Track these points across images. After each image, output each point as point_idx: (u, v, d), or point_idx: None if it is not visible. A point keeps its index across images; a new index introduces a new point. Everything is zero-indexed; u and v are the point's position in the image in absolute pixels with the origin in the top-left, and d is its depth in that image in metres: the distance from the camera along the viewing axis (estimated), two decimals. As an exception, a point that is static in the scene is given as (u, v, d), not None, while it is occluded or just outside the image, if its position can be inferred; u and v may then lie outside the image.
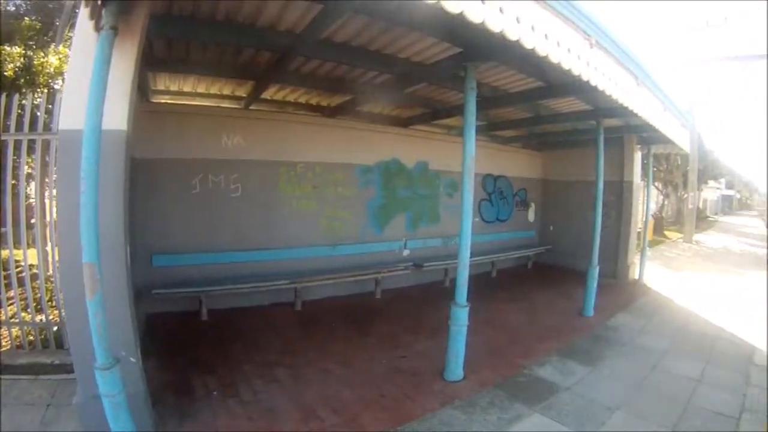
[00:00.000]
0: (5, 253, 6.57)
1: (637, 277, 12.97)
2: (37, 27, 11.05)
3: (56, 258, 5.80)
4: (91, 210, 3.30)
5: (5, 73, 8.05)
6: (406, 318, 8.37)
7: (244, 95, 9.25)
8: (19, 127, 5.70)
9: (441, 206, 11.68)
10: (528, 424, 4.82)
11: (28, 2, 12.73)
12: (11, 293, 6.36)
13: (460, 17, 3.32)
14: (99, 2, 3.38)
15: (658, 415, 5.13)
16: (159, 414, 4.56)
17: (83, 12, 3.80)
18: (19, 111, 5.74)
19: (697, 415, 5.17)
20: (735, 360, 6.97)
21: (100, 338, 3.44)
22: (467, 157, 5.66)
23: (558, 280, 12.43)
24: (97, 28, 3.60)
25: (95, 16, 3.64)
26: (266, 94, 9.14)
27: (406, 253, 10.90)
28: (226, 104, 9.64)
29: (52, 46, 10.12)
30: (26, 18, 11.04)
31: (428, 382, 5.71)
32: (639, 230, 14.56)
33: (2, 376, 5.48)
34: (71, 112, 3.92)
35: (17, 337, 6.15)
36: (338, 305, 9.04)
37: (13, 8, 12.41)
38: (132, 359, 4.13)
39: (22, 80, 8.09)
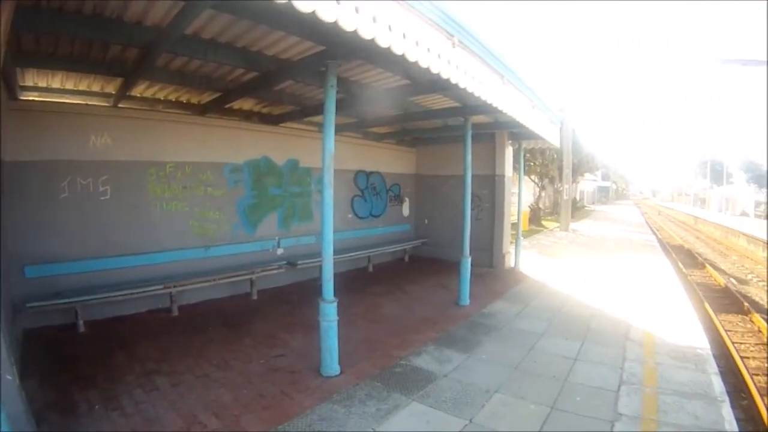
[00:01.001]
0: None
1: (513, 265, 13.85)
2: None
3: None
4: None
5: None
6: (283, 316, 8.68)
7: (113, 92, 9.14)
8: None
9: (313, 203, 12.06)
10: (406, 413, 5.15)
11: None
12: None
13: (312, 16, 3.57)
14: None
15: (537, 394, 5.59)
16: None
17: None
18: None
19: (576, 391, 5.68)
20: (611, 337, 7.67)
21: None
22: (326, 155, 5.88)
23: (434, 271, 13.06)
24: None
25: None
26: (136, 92, 9.17)
27: (280, 252, 11.23)
28: (94, 102, 9.48)
29: None
30: None
31: (306, 379, 5.99)
32: (514, 221, 15.50)
33: None
34: None
35: None
36: (215, 308, 9.23)
37: None
38: (8, 377, 4.05)
39: None
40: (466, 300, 9.49)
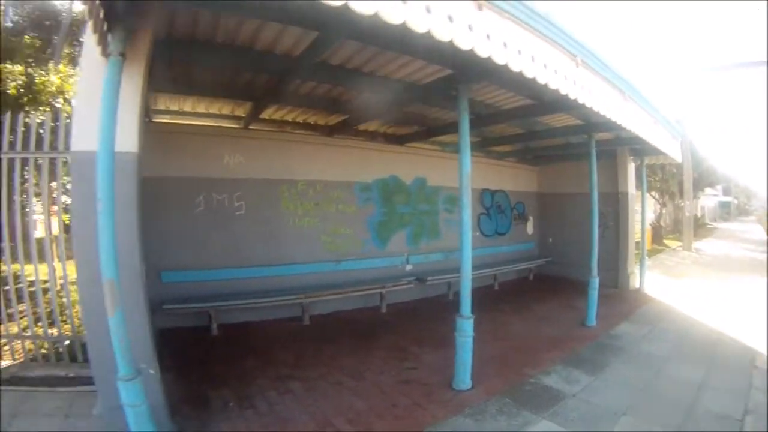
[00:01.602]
0: (15, 267, 7.04)
1: (638, 286, 13.32)
2: (37, 44, 11.55)
3: (61, 273, 6.40)
4: (108, 230, 3.61)
5: (8, 92, 8.49)
6: (413, 331, 8.71)
7: (243, 115, 9.68)
8: (24, 146, 6.12)
9: (441, 221, 12.19)
10: (536, 430, 5.08)
11: (26, 19, 13.28)
12: (22, 307, 6.73)
13: (449, 45, 3.66)
14: (105, 29, 3.70)
15: (663, 418, 5.37)
16: (178, 425, 4.90)
17: (90, 39, 4.08)
18: (23, 129, 6.16)
19: (701, 418, 5.42)
20: (737, 364, 7.26)
21: (123, 350, 3.74)
22: (464, 175, 6.03)
23: (559, 290, 12.81)
24: (105, 54, 3.93)
25: (102, 42, 3.96)
26: (265, 114, 9.56)
27: (408, 268, 11.37)
28: (225, 124, 10.10)
29: (51, 64, 10.68)
30: (26, 36, 11.59)
31: (438, 392, 5.98)
32: (637, 240, 14.93)
33: (19, 388, 5.87)
34: (82, 134, 4.28)
35: (30, 350, 6.62)
36: (345, 319, 9.46)
37: (12, 25, 12.93)
38: (151, 371, 4.43)
39: (25, 98, 8.54)
40: (592, 320, 9.27)
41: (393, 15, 3.22)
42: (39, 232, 8.64)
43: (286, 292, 9.01)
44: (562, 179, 15.19)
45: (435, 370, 6.71)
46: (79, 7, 13.84)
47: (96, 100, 3.81)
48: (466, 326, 6.07)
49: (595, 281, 9.30)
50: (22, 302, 6.59)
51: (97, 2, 3.32)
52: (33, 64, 10.21)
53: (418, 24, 3.39)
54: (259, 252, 9.23)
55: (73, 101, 4.78)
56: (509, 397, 5.90)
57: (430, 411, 5.49)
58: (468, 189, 6.06)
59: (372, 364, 7.04)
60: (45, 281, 6.79)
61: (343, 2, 2.97)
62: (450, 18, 3.58)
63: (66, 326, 6.81)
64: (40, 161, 6.21)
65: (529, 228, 15.82)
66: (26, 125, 6.14)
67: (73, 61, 12.20)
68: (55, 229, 7.16)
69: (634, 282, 13.54)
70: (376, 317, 9.82)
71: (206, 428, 5.02)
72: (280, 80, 7.09)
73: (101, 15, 3.49)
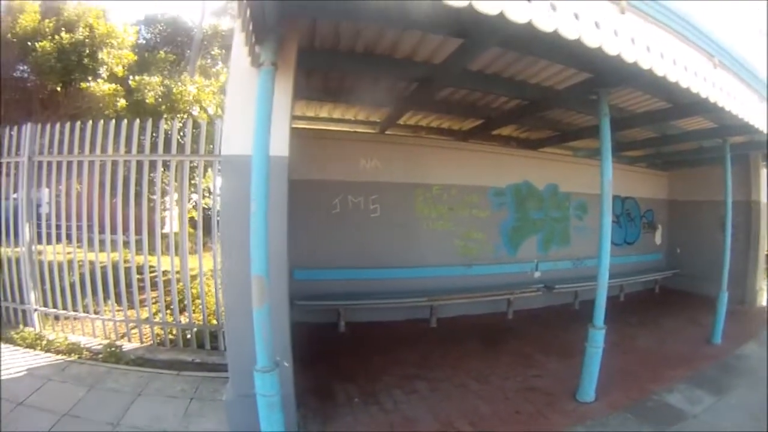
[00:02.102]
0: (152, 259, 7.65)
1: (765, 303, 12.69)
2: (171, 59, 12.39)
3: (191, 266, 7.09)
4: (261, 230, 3.75)
5: (147, 101, 9.29)
6: (538, 339, 8.72)
7: (378, 120, 9.95)
8: (166, 149, 6.90)
9: (571, 228, 12.06)
10: None
11: (158, 36, 14.30)
12: (151, 295, 7.48)
13: (597, 50, 3.68)
14: (253, 41, 3.97)
15: None
16: (302, 416, 5.20)
17: (239, 50, 4.48)
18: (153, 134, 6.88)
19: None
20: None
21: (265, 343, 3.90)
22: (605, 182, 5.95)
23: (686, 305, 12.27)
24: (256, 65, 4.19)
25: (252, 54, 4.28)
26: (400, 119, 9.76)
27: (537, 275, 11.30)
28: (360, 129, 10.39)
29: (184, 75, 11.52)
30: (161, 51, 12.55)
31: (561, 402, 6.04)
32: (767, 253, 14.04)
33: (145, 369, 6.53)
34: (233, 139, 4.67)
35: (159, 335, 7.34)
36: (471, 323, 9.54)
37: (145, 41, 13.98)
38: (286, 363, 4.58)
39: (163, 107, 9.29)
40: (718, 338, 8.89)
41: (546, 23, 3.32)
42: (165, 228, 9.35)
43: (416, 294, 9.21)
44: (691, 185, 14.45)
45: (559, 380, 6.73)
46: (209, 24, 14.82)
47: (245, 107, 4.17)
48: (597, 337, 6.05)
49: (725, 296, 8.93)
50: (152, 291, 7.36)
51: (249, 17, 3.58)
52: (168, 77, 11.03)
53: (569, 31, 3.47)
54: (392, 254, 9.51)
55: (225, 108, 5.26)
56: (631, 412, 5.86)
57: (553, 420, 5.57)
58: (609, 196, 6.01)
59: (497, 369, 7.13)
60: (165, 272, 7.49)
61: (500, 11, 3.08)
62: (597, 24, 3.63)
63: (195, 315, 7.39)
64: (172, 163, 6.99)
65: (658, 237, 15.25)
66: (166, 132, 6.88)
67: (205, 72, 13.05)
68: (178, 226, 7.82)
69: (762, 299, 12.88)
70: (503, 323, 9.89)
71: (330, 421, 5.32)
72: (419, 87, 7.28)
73: (251, 28, 3.75)
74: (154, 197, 7.31)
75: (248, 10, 3.53)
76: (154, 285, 7.74)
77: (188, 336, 7.27)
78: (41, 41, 10.06)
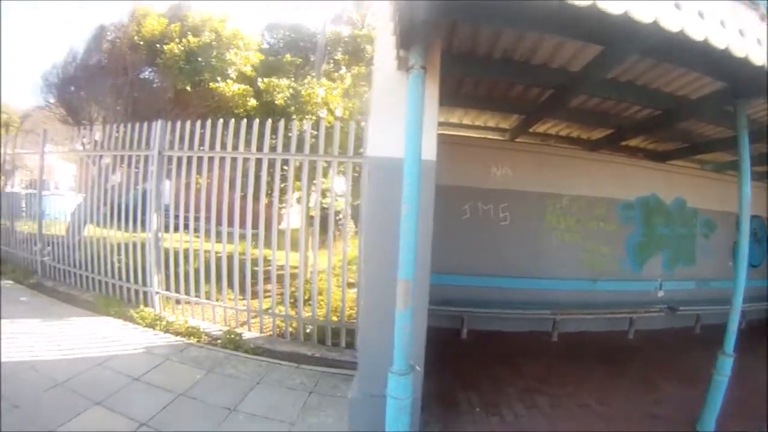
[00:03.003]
0: (266, 252, 7.78)
1: None
2: (298, 62, 12.68)
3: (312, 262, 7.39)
4: (411, 233, 3.69)
5: (276, 102, 9.48)
6: (660, 362, 8.33)
7: (508, 127, 9.83)
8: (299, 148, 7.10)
9: (697, 246, 11.39)
10: None
11: (281, 41, 14.54)
12: (268, 287, 7.64)
13: (739, 59, 3.49)
14: (401, 44, 3.97)
15: None
16: (425, 420, 5.07)
17: (384, 54, 4.55)
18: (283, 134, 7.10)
19: None
20: None
21: (404, 347, 3.85)
22: (744, 200, 5.60)
23: None
24: (403, 68, 4.23)
25: (399, 57, 4.31)
26: (531, 127, 9.55)
27: (660, 294, 10.75)
28: (490, 135, 10.31)
29: (308, 78, 11.61)
30: (286, 55, 12.72)
31: (680, 430, 5.73)
32: None
33: (264, 359, 6.61)
34: (379, 142, 4.68)
35: (279, 327, 7.51)
36: (593, 340, 9.19)
37: (268, 46, 14.20)
38: (418, 368, 4.48)
39: (292, 108, 9.44)
40: None
41: (695, 31, 3.22)
42: (284, 224, 9.43)
43: (539, 306, 9.00)
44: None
45: (679, 407, 6.34)
46: (331, 30, 15.02)
47: (392, 110, 4.24)
48: (726, 364, 5.61)
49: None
50: (268, 284, 7.57)
51: (398, 20, 3.60)
52: (293, 80, 11.13)
53: (718, 40, 3.35)
54: (519, 263, 9.31)
55: (370, 111, 5.19)
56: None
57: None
58: (748, 215, 5.69)
59: (618, 390, 6.80)
60: (282, 266, 7.53)
61: (654, 20, 3.01)
62: (741, 32, 3.48)
63: (319, 311, 7.46)
64: (306, 162, 7.12)
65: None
66: (299, 132, 7.12)
67: (329, 76, 13.17)
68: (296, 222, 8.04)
69: None
70: (623, 342, 9.47)
71: (451, 427, 5.22)
72: (554, 94, 7.12)
73: (399, 31, 3.75)
74: (275, 194, 7.35)
75: (398, 13, 3.57)
76: (270, 278, 7.87)
77: (308, 330, 7.34)
78: (168, 44, 10.34)
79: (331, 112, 9.79)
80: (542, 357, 7.95)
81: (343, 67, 14.60)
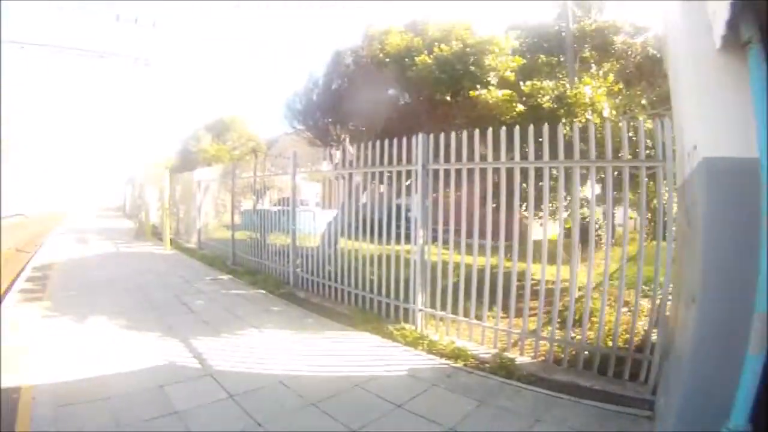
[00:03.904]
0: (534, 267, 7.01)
1: None
2: (553, 62, 12.12)
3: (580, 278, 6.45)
4: None
5: (543, 105, 8.81)
6: None
7: None
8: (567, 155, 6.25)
9: None
10: None
11: (523, 44, 13.96)
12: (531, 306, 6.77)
13: None
14: (728, 16, 3.01)
15: None
16: None
17: (695, 33, 3.62)
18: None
19: None
20: None
21: (748, 400, 3.05)
22: None
23: None
24: (731, 45, 3.30)
25: (725, 33, 3.32)
26: None
27: None
28: None
29: (561, 79, 10.91)
30: (540, 55, 12.15)
31: None
32: None
33: (540, 390, 5.60)
34: (707, 139, 3.66)
35: (544, 351, 6.56)
36: None
37: (525, 48, 13.69)
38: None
39: (561, 111, 8.70)
40: None
41: None
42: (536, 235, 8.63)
43: None
44: None
45: None
46: (575, 26, 14.18)
47: (711, 100, 3.45)
48: None
49: None
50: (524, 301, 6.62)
51: None
52: (546, 80, 10.48)
53: None
54: None
55: (677, 103, 4.28)
56: None
57: None
58: None
59: None
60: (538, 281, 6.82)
61: None
62: None
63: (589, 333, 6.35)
64: (609, 169, 6.17)
65: None
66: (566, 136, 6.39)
67: (582, 74, 12.41)
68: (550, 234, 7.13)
69: None
70: None
71: None
72: None
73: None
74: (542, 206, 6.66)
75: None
76: (534, 295, 6.88)
77: (580, 357, 6.24)
78: (418, 56, 10.02)
79: (598, 113, 8.94)
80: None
81: (593, 64, 13.71)
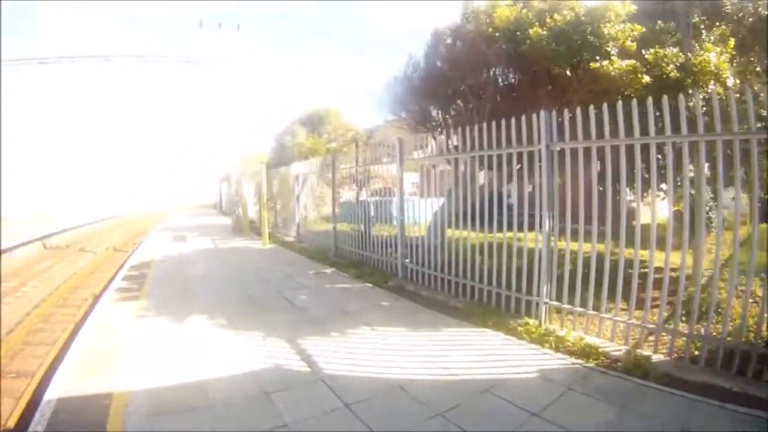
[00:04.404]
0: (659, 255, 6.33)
1: None
2: (670, 29, 11.13)
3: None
4: None
5: (669, 75, 8.08)
6: None
7: None
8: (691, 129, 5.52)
9: None
10: None
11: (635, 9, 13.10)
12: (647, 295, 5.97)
13: None
14: None
15: None
16: None
17: None
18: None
19: None
20: None
21: None
22: None
23: None
24: None
25: None
26: None
27: None
28: None
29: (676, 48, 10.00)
30: (658, 21, 11.28)
31: None
32: None
33: (678, 392, 4.87)
34: None
35: (678, 347, 5.75)
36: None
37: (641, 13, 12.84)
38: None
39: (688, 80, 7.94)
40: None
41: None
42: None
43: None
44: None
45: None
46: None
47: None
48: None
49: None
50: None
51: None
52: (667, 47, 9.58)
53: None
54: None
55: None
56: None
57: None
58: None
59: None
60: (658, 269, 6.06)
61: None
62: None
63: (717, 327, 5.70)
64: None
65: None
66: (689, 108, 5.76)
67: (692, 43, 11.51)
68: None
69: None
70: None
71: None
72: None
73: None
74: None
75: None
76: (655, 284, 6.06)
77: (713, 353, 5.42)
78: (531, 29, 9.34)
79: (721, 82, 8.05)
80: None
81: (703, 30, 12.72)
